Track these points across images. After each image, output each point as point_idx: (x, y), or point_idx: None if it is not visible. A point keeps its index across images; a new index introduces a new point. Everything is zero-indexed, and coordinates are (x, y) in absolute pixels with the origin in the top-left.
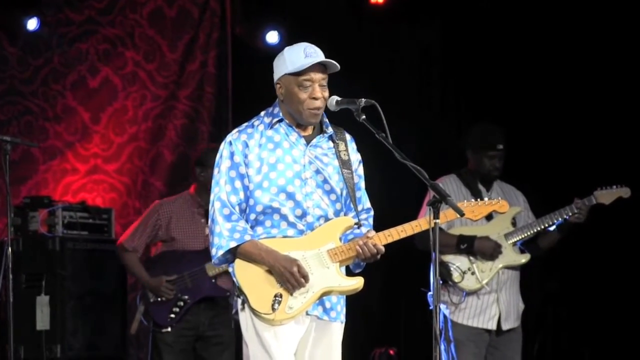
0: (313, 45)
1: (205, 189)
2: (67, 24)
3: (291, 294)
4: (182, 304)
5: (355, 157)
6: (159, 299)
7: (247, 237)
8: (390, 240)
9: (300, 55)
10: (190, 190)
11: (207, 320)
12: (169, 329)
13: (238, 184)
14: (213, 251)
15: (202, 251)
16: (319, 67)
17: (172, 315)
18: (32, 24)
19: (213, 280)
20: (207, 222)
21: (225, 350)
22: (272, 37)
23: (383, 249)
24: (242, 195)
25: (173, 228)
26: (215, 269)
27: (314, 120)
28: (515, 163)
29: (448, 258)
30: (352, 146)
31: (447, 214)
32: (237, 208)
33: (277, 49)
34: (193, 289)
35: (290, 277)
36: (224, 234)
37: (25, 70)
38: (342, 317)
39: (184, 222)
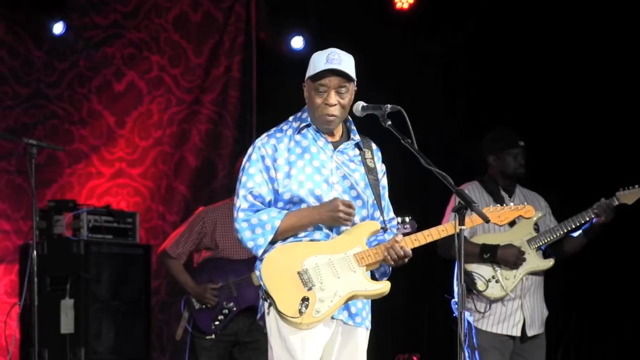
0: (339, 51)
1: None
2: (92, 28)
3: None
4: (227, 312)
5: (380, 167)
6: (204, 306)
7: (277, 223)
8: (416, 244)
9: (322, 61)
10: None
11: (246, 327)
12: (213, 336)
13: (265, 186)
14: (259, 253)
15: (247, 260)
16: (338, 73)
17: (217, 323)
18: (58, 28)
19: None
20: None
21: (261, 355)
22: (297, 42)
23: (411, 252)
24: (268, 198)
25: (218, 235)
26: None
27: (327, 126)
28: (537, 168)
29: (471, 267)
30: (378, 156)
31: (473, 219)
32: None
33: (301, 54)
34: (238, 298)
35: (343, 215)
36: (257, 232)
37: (51, 74)
38: (368, 324)
39: (229, 230)
